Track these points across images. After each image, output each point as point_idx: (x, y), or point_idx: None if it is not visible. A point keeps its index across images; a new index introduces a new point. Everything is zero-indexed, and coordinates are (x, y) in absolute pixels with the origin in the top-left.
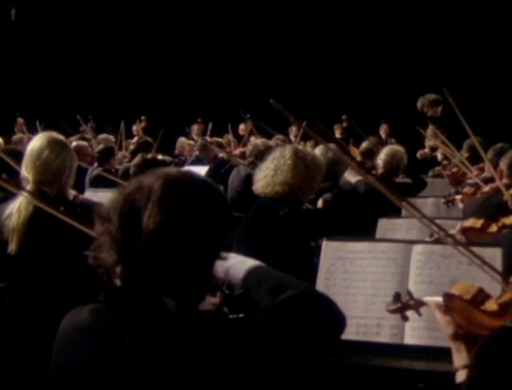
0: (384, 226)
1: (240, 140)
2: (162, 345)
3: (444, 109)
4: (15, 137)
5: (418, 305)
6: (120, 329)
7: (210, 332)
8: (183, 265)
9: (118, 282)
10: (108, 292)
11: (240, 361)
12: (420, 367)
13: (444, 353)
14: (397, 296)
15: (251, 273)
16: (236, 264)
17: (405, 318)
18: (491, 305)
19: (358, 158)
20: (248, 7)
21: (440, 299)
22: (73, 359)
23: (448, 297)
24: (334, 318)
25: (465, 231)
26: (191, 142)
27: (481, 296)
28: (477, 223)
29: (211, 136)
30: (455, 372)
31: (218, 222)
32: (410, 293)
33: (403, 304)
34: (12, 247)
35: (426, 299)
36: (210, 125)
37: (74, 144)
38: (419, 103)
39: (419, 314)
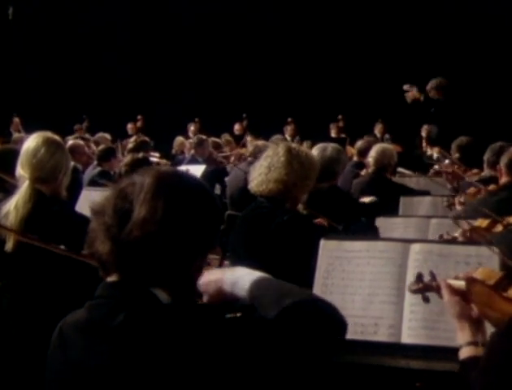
0: (382, 225)
1: (237, 139)
2: (155, 338)
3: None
4: (16, 136)
5: (439, 287)
6: (114, 323)
7: (205, 326)
8: (173, 254)
9: (113, 277)
10: (103, 287)
11: (233, 358)
12: (417, 366)
13: (441, 353)
14: (419, 277)
15: (256, 284)
16: (243, 276)
17: (426, 300)
18: None
19: (355, 158)
20: (245, 7)
21: (460, 283)
22: (71, 356)
23: (470, 281)
24: (334, 322)
25: (472, 231)
26: (190, 141)
27: (505, 282)
28: (483, 222)
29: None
30: (459, 349)
31: (207, 215)
32: (432, 274)
33: (425, 284)
34: (9, 245)
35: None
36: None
37: (70, 143)
38: (429, 87)
39: (441, 297)
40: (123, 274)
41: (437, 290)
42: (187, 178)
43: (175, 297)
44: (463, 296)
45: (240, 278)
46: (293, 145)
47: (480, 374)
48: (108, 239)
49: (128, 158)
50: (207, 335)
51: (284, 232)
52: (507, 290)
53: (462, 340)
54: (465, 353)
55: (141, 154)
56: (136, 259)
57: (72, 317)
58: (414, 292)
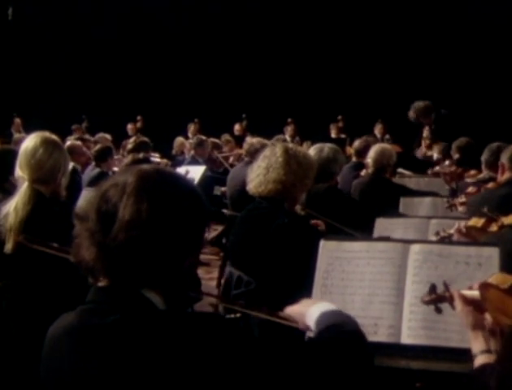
0: (382, 225)
1: (237, 139)
2: (148, 341)
3: (436, 115)
4: (16, 136)
5: (453, 298)
6: (107, 329)
7: (200, 328)
8: (160, 255)
9: (103, 282)
10: (93, 292)
11: (229, 367)
12: (417, 367)
13: (440, 353)
14: (432, 288)
15: (321, 316)
16: (316, 310)
17: (438, 311)
18: None
19: (354, 158)
20: (246, 7)
21: (473, 293)
22: (62, 362)
23: (484, 286)
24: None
25: (467, 230)
26: (190, 142)
27: None
28: (478, 222)
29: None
30: (473, 358)
31: (192, 213)
32: (445, 285)
33: (438, 295)
34: (9, 246)
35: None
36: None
37: (67, 143)
38: (413, 114)
39: (453, 308)
40: (113, 278)
41: (450, 301)
42: (170, 176)
43: (167, 298)
44: (476, 306)
45: (313, 312)
46: (290, 145)
47: (497, 369)
48: (93, 245)
49: (129, 159)
50: (202, 337)
51: (284, 234)
52: None
53: (475, 349)
54: (479, 360)
55: (141, 155)
56: (123, 263)
57: (63, 322)
58: (427, 303)
